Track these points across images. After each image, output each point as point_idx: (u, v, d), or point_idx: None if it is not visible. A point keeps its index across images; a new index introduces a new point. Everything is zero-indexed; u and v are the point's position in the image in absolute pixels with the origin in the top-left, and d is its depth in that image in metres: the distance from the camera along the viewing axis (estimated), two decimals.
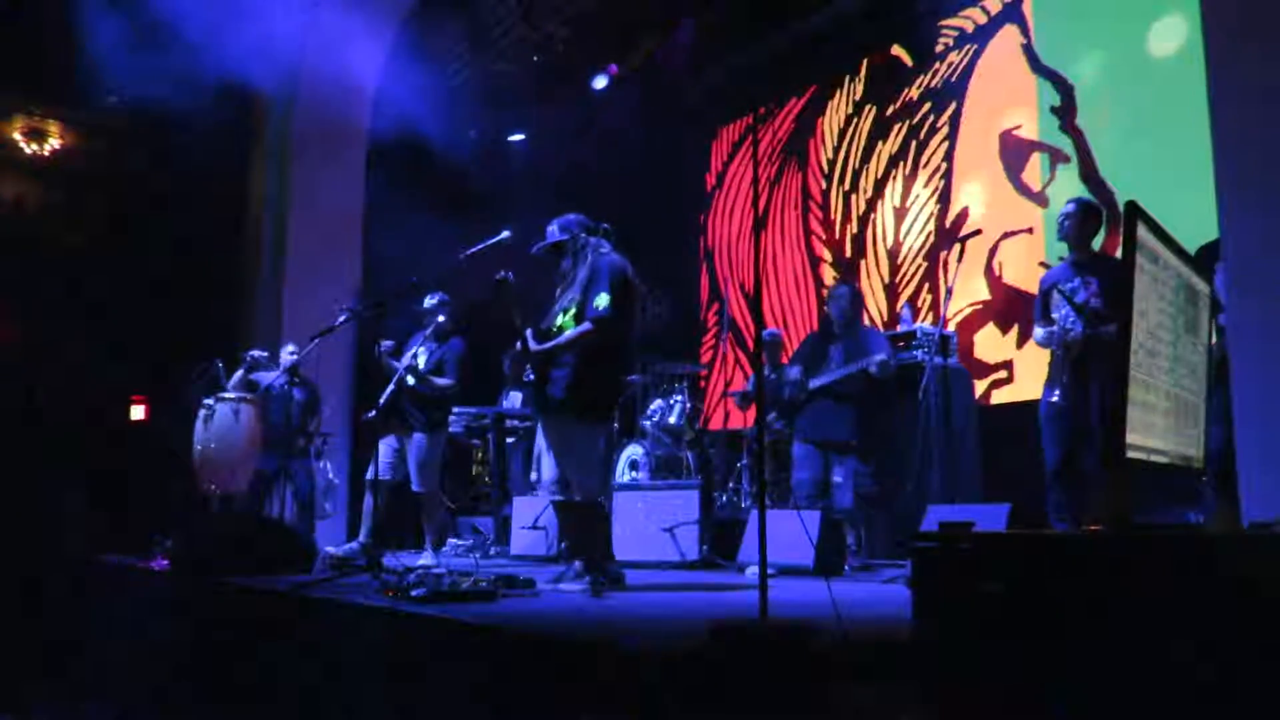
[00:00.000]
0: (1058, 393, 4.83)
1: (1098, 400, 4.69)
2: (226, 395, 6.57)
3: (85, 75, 8.58)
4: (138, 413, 10.08)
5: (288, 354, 7.24)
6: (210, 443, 6.40)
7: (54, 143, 10.87)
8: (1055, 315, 4.99)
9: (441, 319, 6.28)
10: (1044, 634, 1.83)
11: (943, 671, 1.96)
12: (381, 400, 6.01)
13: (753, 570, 4.88)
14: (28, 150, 10.76)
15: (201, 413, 6.45)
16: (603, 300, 4.38)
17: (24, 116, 10.75)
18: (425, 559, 6.07)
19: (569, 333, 4.43)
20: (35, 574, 6.79)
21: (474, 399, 7.84)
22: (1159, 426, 2.03)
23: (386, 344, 6.01)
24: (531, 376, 4.55)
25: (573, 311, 4.49)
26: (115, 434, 9.89)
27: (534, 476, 6.81)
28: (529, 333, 4.48)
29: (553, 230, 4.67)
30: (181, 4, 7.84)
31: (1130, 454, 1.88)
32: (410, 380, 6.06)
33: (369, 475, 6.05)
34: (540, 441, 4.73)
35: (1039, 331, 5.09)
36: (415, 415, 6.18)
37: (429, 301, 6.34)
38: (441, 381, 6.19)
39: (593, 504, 4.48)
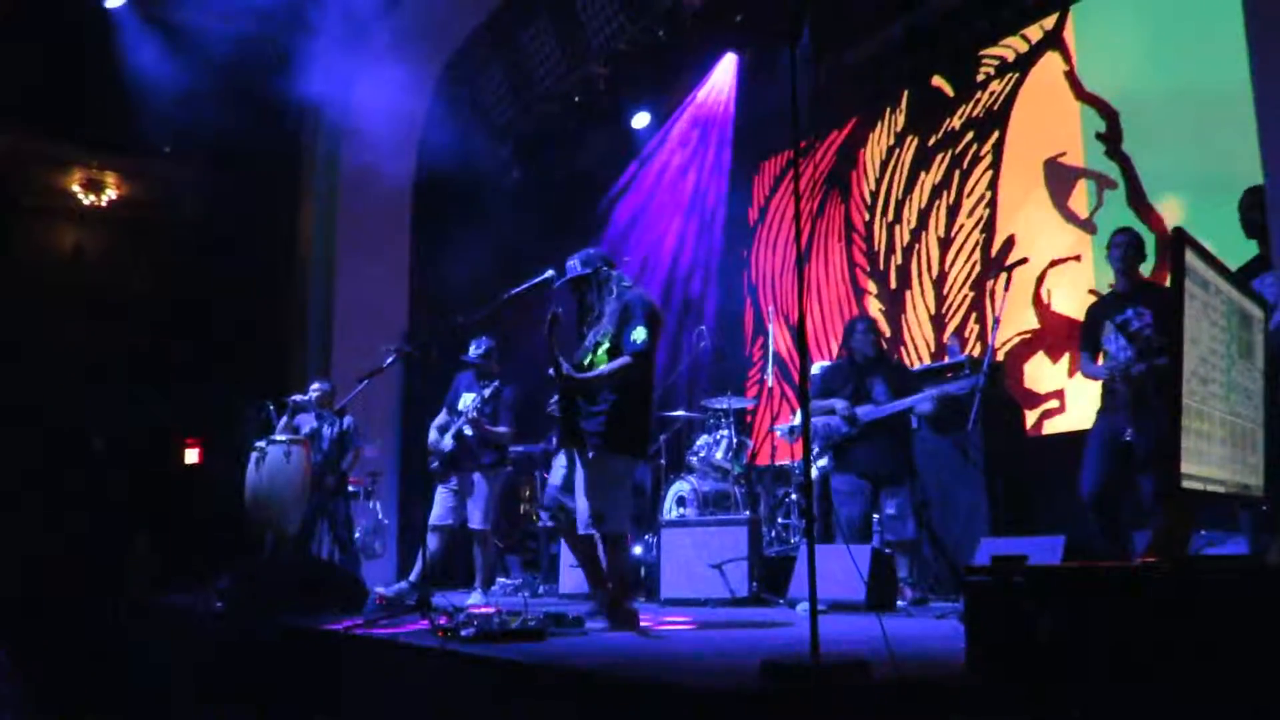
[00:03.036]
0: (1130, 430, 4.77)
1: (1156, 432, 4.61)
2: (278, 438, 6.66)
3: (140, 125, 8.82)
4: (192, 456, 10.23)
5: (313, 390, 7.33)
6: (262, 485, 6.49)
7: (111, 193, 11.15)
8: (1109, 348, 4.98)
9: (489, 366, 6.39)
10: (1100, 669, 1.79)
11: (997, 709, 1.92)
12: (445, 451, 6.32)
13: (804, 606, 4.82)
14: (85, 200, 11.05)
15: (253, 455, 6.54)
16: (640, 334, 4.38)
17: (82, 168, 11.05)
18: (474, 598, 6.09)
19: (609, 365, 4.40)
20: (92, 613, 6.88)
21: (521, 437, 7.86)
22: (1216, 455, 1.98)
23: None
24: (559, 412, 4.54)
25: (606, 346, 4.46)
26: (171, 477, 10.04)
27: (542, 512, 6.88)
28: (565, 365, 4.41)
29: (574, 265, 4.65)
30: (230, 53, 8.04)
31: (1186, 484, 1.84)
32: (469, 431, 6.19)
33: (431, 521, 6.29)
34: (555, 473, 4.65)
35: (1090, 364, 5.06)
36: (475, 457, 6.32)
37: (474, 350, 6.41)
38: (499, 429, 6.29)
39: (624, 535, 4.50)
